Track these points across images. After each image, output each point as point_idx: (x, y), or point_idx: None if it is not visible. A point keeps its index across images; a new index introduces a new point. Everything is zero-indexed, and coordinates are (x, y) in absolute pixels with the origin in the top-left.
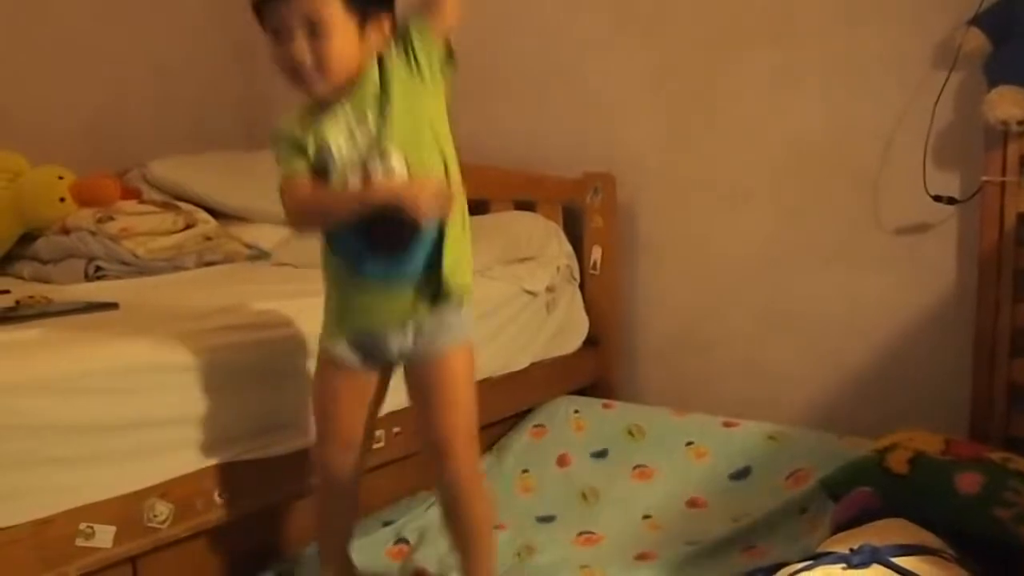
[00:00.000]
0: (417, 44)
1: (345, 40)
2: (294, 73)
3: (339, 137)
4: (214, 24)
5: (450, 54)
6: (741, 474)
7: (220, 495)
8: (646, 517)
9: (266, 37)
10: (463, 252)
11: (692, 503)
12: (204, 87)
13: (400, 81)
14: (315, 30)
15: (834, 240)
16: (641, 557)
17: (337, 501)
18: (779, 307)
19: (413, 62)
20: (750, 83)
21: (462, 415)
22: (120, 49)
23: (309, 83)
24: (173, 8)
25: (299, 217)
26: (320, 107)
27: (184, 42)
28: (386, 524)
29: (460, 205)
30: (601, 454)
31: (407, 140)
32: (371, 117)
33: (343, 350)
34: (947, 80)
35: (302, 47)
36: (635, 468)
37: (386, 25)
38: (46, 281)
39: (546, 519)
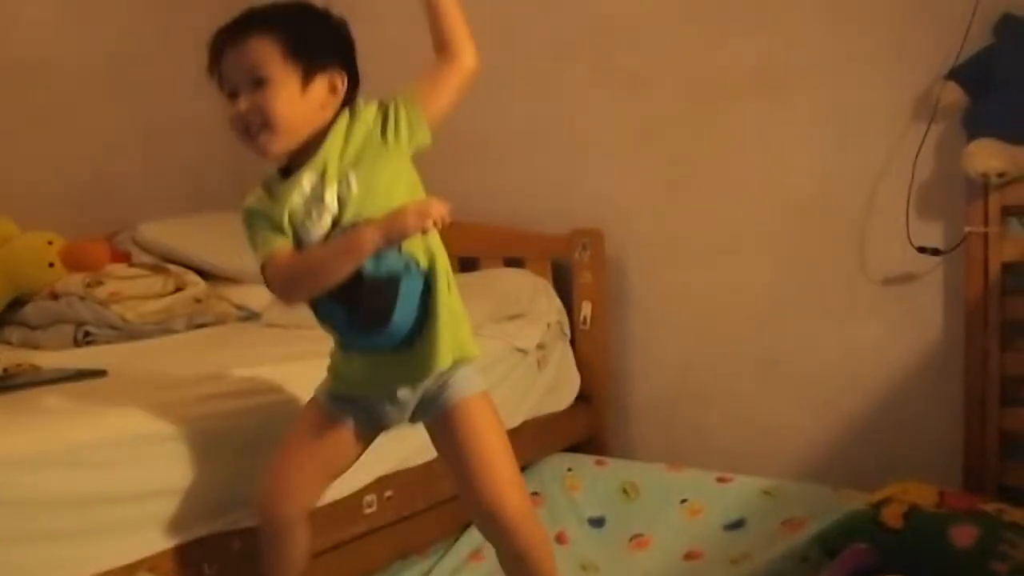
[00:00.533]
0: (403, 114)
1: (288, 94)
2: (245, 133)
3: (306, 206)
4: (205, 86)
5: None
6: (736, 525)
7: (210, 567)
8: None
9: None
10: (452, 314)
11: (689, 556)
12: (194, 149)
13: (370, 146)
14: (256, 83)
15: (824, 291)
16: None
17: (276, 552)
18: (771, 358)
19: (392, 130)
20: (736, 137)
21: (497, 471)
22: (111, 112)
23: (259, 143)
24: (164, 70)
25: (289, 286)
26: (282, 175)
27: (176, 103)
28: None
29: (443, 264)
30: (598, 522)
31: (378, 206)
32: (336, 184)
33: (335, 401)
34: (927, 133)
35: (246, 103)
36: (632, 539)
37: (339, 80)
38: (35, 347)
39: None
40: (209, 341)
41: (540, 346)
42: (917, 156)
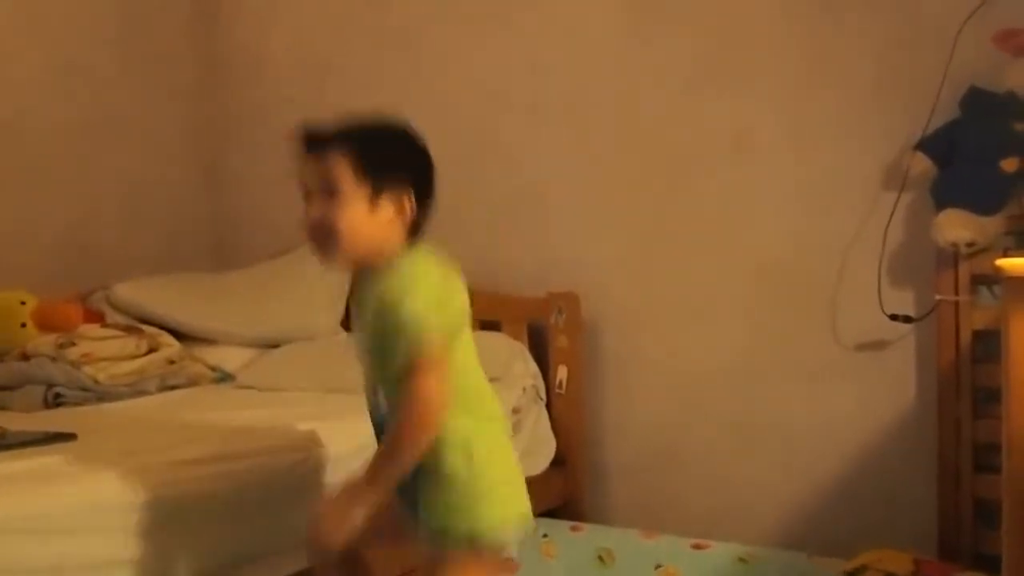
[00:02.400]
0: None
1: (354, 209)
2: (311, 237)
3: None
4: (185, 146)
5: None
6: None
7: None
8: None
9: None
10: (454, 484)
11: None
12: (172, 208)
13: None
14: (329, 193)
15: (798, 355)
16: None
17: None
18: (746, 422)
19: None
20: (710, 201)
21: None
22: (88, 170)
23: (321, 250)
24: (143, 130)
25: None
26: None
27: (152, 163)
28: None
29: (456, 437)
30: None
31: (385, 375)
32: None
33: None
34: (897, 201)
35: (316, 208)
36: None
37: (407, 201)
38: (4, 408)
39: None
40: (181, 403)
41: (515, 410)
42: (888, 224)
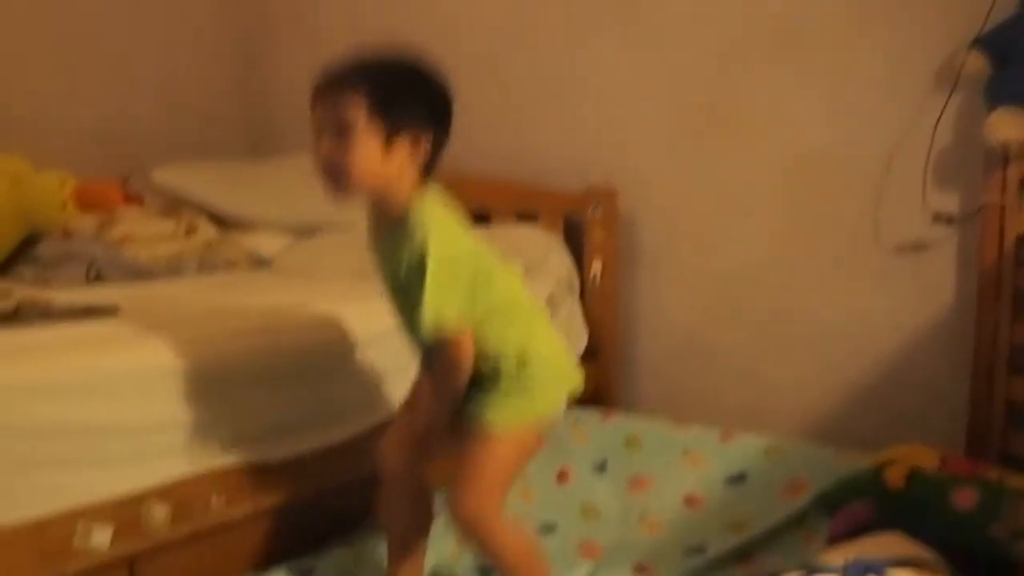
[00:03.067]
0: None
1: (366, 148)
2: (323, 173)
3: (380, 270)
4: (221, 32)
5: None
6: (737, 479)
7: (218, 498)
8: (642, 518)
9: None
10: (509, 396)
11: (689, 501)
12: (210, 95)
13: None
14: (340, 132)
15: (835, 254)
16: (640, 570)
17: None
18: (779, 319)
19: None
20: (755, 97)
21: (471, 481)
22: (127, 55)
23: (333, 187)
24: (180, 16)
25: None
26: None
27: (191, 50)
28: None
29: (511, 345)
30: (600, 467)
31: (414, 323)
32: (396, 280)
33: None
34: (948, 101)
35: (327, 147)
36: (632, 479)
37: (423, 141)
38: (47, 285)
39: (547, 528)
40: (220, 284)
41: (549, 301)
42: (937, 123)
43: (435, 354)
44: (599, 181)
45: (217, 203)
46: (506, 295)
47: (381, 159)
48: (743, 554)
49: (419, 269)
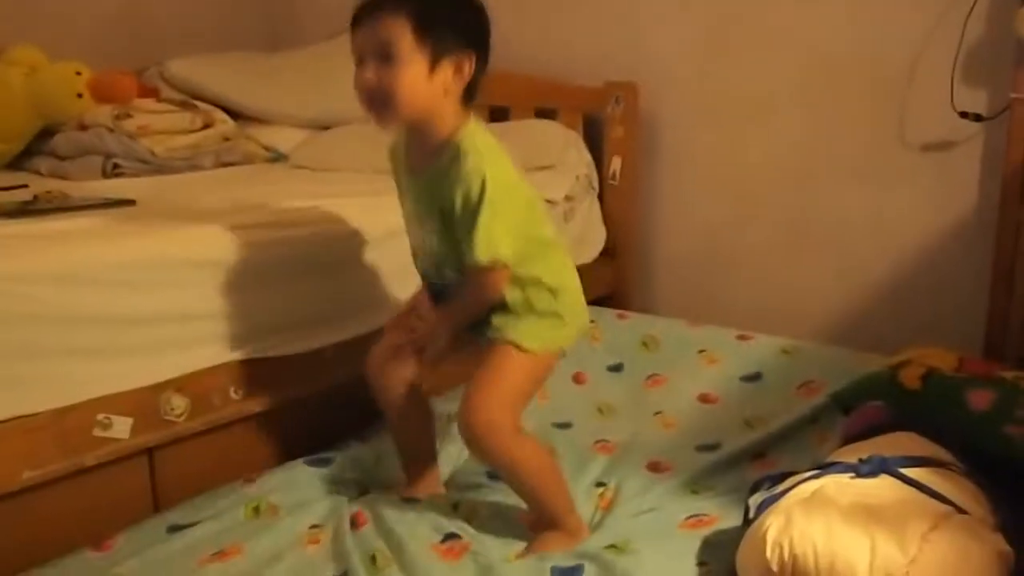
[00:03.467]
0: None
1: (413, 74)
2: (366, 101)
3: (408, 204)
4: None
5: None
6: (753, 377)
7: (236, 391)
8: (657, 413)
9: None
10: (529, 323)
11: (703, 398)
12: None
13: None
14: (384, 58)
15: (859, 154)
16: (654, 467)
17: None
18: (800, 221)
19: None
20: None
21: (485, 391)
22: None
23: (377, 114)
24: None
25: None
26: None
27: None
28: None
29: (534, 278)
30: (616, 368)
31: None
32: (432, 216)
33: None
34: None
35: (370, 73)
36: (648, 378)
37: (467, 64)
38: (63, 177)
39: (563, 425)
40: (237, 178)
41: (568, 198)
42: (968, 17)
43: (472, 279)
44: (619, 77)
45: (233, 96)
46: (546, 228)
47: (427, 83)
48: (757, 452)
49: (469, 197)
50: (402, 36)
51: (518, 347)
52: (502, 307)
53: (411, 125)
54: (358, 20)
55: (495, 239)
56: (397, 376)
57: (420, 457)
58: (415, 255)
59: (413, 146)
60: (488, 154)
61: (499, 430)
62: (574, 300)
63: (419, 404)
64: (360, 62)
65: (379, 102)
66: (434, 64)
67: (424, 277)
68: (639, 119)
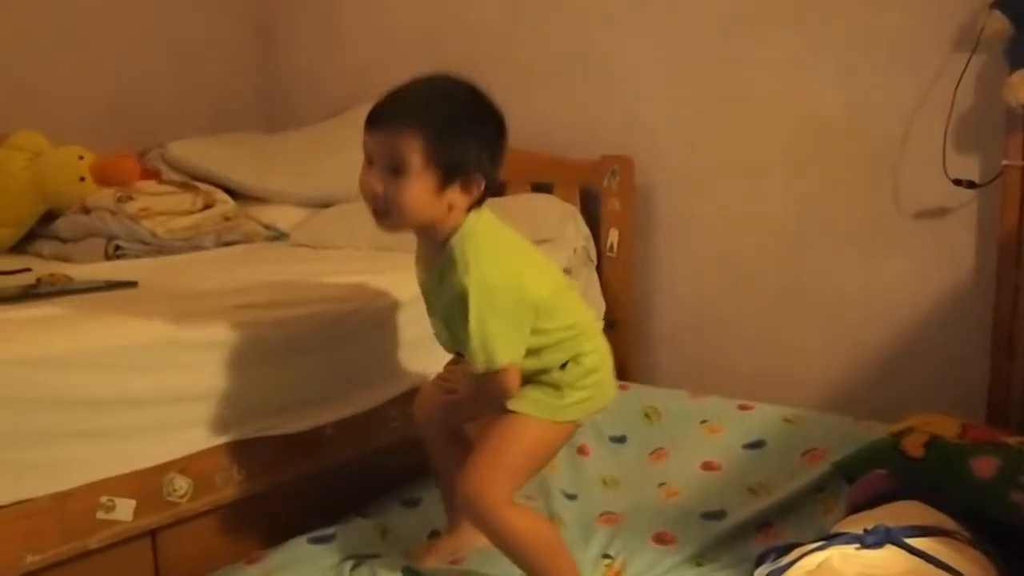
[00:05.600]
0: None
1: (419, 190)
2: (371, 204)
3: (428, 297)
4: (235, 6)
5: None
6: (755, 445)
7: (239, 471)
8: (661, 484)
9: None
10: (552, 396)
11: (707, 466)
12: (224, 69)
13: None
14: (394, 170)
15: (853, 222)
16: (660, 538)
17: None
18: (797, 289)
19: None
20: (769, 63)
21: (486, 464)
22: (141, 30)
23: (379, 220)
24: None
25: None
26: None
27: (205, 24)
28: None
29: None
30: (619, 440)
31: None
32: (443, 309)
33: None
34: (968, 63)
35: (377, 180)
36: (652, 452)
37: (476, 185)
38: (66, 260)
39: (568, 496)
40: (238, 258)
41: (566, 271)
42: (957, 86)
43: (483, 378)
44: (614, 151)
45: (233, 177)
46: (565, 320)
47: (433, 199)
48: (763, 523)
49: (462, 301)
50: (415, 152)
51: (523, 417)
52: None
53: (416, 231)
54: (376, 122)
55: (489, 346)
56: (441, 422)
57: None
58: (437, 336)
59: (422, 242)
60: (480, 258)
61: (489, 502)
62: (588, 379)
63: (463, 450)
64: (369, 162)
65: (382, 209)
66: (444, 184)
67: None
68: (635, 191)
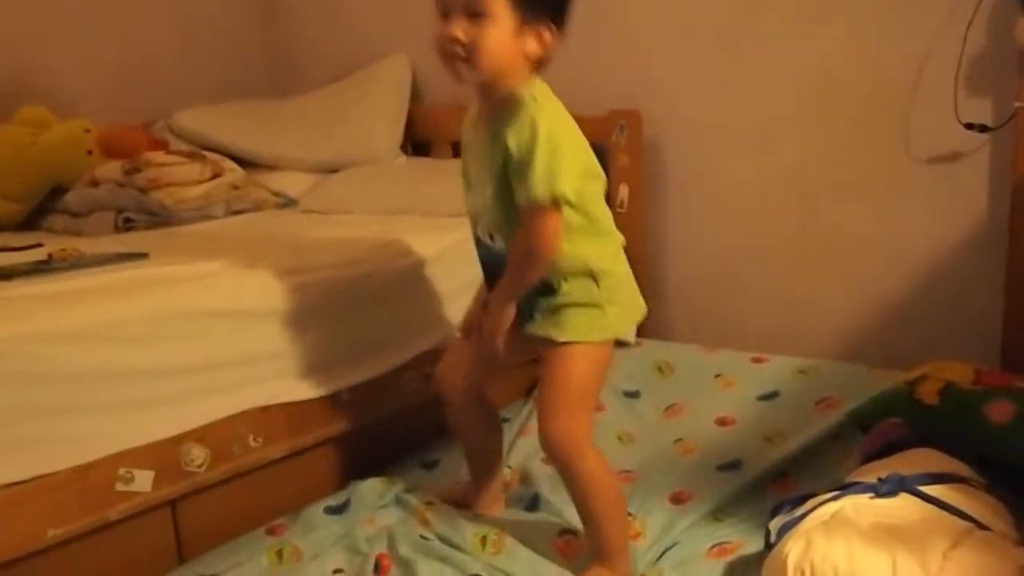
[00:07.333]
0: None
1: (500, 32)
2: (447, 55)
3: (473, 164)
4: None
5: None
6: (770, 396)
7: (255, 438)
8: (677, 441)
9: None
10: (581, 312)
11: (721, 422)
12: (229, 36)
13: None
14: (474, 14)
15: (864, 170)
16: (677, 498)
17: (452, 421)
18: (809, 239)
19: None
20: (778, 14)
21: (559, 399)
22: (145, 0)
23: (457, 70)
24: None
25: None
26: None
27: None
28: None
29: (582, 260)
30: (633, 395)
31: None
32: (491, 170)
33: None
34: (979, 3)
35: (458, 28)
36: (667, 408)
37: (548, 34)
38: (77, 234)
39: None
40: (249, 226)
41: None
42: (968, 28)
43: (526, 228)
44: (623, 106)
45: (241, 145)
46: (603, 209)
47: (511, 43)
48: (778, 474)
49: (526, 140)
50: None
51: (573, 344)
52: (547, 293)
53: (480, 88)
54: None
55: (555, 174)
56: (465, 387)
57: (485, 471)
58: (473, 220)
59: (481, 99)
60: (546, 103)
61: (576, 441)
62: (623, 288)
63: (487, 416)
64: (445, 16)
65: (462, 58)
66: (521, 27)
67: (479, 245)
68: (644, 146)
